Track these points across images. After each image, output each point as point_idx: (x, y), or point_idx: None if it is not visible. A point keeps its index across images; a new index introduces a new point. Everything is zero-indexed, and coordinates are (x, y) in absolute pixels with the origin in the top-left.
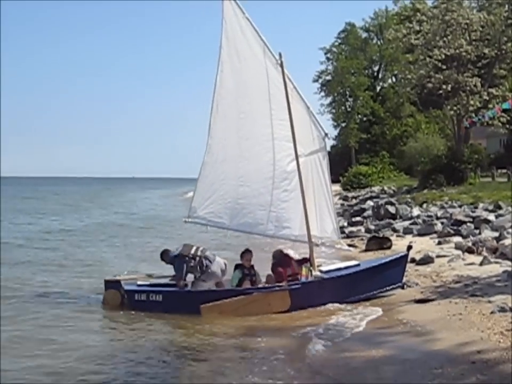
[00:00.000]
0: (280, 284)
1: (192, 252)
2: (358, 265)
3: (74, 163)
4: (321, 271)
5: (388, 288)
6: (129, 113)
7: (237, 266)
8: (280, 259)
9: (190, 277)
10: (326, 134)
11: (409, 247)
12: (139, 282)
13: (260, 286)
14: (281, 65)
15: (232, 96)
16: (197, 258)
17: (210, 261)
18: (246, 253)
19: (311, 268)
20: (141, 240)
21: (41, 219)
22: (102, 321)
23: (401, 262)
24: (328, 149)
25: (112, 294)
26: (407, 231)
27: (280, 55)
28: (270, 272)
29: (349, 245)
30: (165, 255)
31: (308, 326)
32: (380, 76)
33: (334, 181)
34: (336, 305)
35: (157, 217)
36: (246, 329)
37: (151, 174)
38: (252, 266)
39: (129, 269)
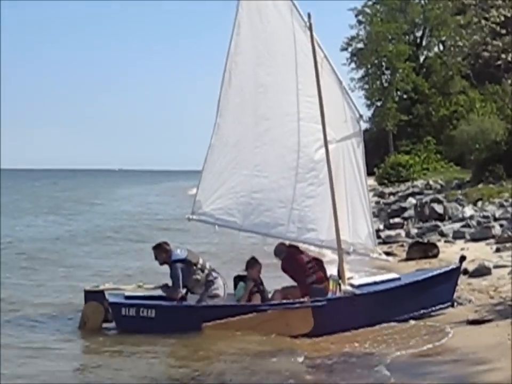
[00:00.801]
0: (301, 300)
1: (201, 262)
2: (399, 279)
3: (48, 152)
4: (352, 286)
5: (434, 308)
6: (115, 87)
7: (240, 278)
8: (289, 253)
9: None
10: (361, 116)
11: (463, 258)
12: (127, 294)
13: (276, 302)
14: (310, 29)
15: (250, 65)
16: (205, 271)
17: (217, 277)
18: (255, 263)
19: (340, 281)
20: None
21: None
22: (79, 342)
23: (452, 276)
24: None
25: (93, 308)
26: (457, 235)
27: (309, 15)
28: (277, 287)
29: (386, 253)
30: (162, 250)
31: (335, 352)
32: (424, 43)
33: (367, 173)
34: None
35: (160, 219)
36: (256, 353)
37: (142, 165)
38: (261, 281)
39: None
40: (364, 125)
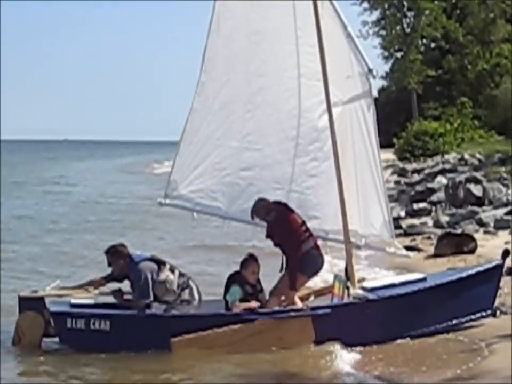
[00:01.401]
0: (298, 308)
1: (169, 263)
2: (424, 279)
3: None
4: (364, 289)
5: (470, 316)
6: (59, 36)
7: (234, 279)
8: (279, 212)
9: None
10: (370, 70)
11: (506, 253)
12: (74, 301)
13: (267, 310)
14: None
15: (241, 8)
16: (176, 271)
17: (189, 278)
18: (251, 261)
19: (348, 283)
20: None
21: None
22: (12, 363)
23: (492, 276)
24: (374, 93)
25: (30, 320)
26: (500, 224)
27: None
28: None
29: (408, 247)
30: (118, 254)
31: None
32: None
33: (384, 145)
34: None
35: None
36: (242, 376)
37: (91, 135)
38: (258, 281)
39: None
40: (380, 83)
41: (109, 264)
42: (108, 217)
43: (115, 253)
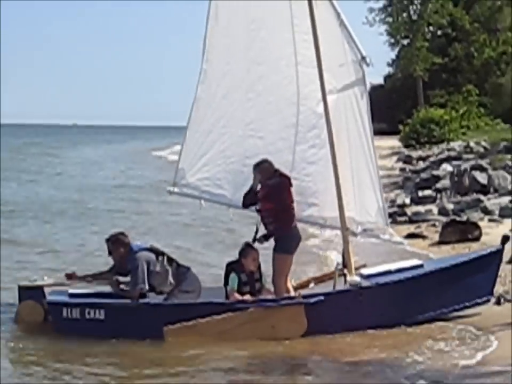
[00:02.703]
0: (291, 296)
1: (167, 254)
2: (421, 266)
3: None
4: (361, 276)
5: (468, 303)
6: (67, 19)
7: (232, 268)
8: (283, 182)
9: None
10: (363, 58)
11: (505, 238)
12: (71, 291)
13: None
14: None
15: None
16: (174, 263)
17: (188, 269)
18: (249, 250)
19: (345, 270)
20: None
21: None
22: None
23: (491, 262)
24: (380, 80)
25: (30, 308)
26: (506, 212)
27: None
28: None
29: (413, 235)
30: (119, 243)
31: (350, 360)
32: None
33: (390, 132)
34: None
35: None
36: (238, 363)
37: (101, 120)
38: (259, 269)
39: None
40: (386, 70)
41: (109, 253)
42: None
43: (116, 241)
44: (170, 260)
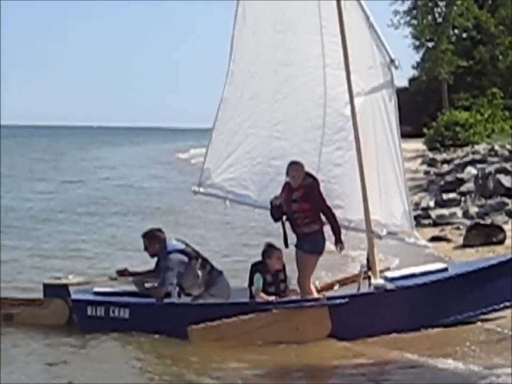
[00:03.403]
0: (315, 297)
1: (201, 256)
2: (445, 269)
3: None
4: (386, 278)
5: (494, 307)
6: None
7: (256, 268)
8: (316, 183)
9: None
10: (392, 61)
11: None
12: (96, 289)
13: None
14: None
15: None
16: (207, 267)
17: (220, 273)
18: (272, 250)
19: (370, 273)
20: None
21: None
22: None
23: None
24: (405, 83)
25: (55, 306)
26: None
27: None
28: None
29: (437, 238)
30: (155, 239)
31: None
32: None
33: (414, 134)
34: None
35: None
36: (261, 368)
37: (125, 122)
38: (284, 269)
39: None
40: (411, 72)
41: (145, 248)
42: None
43: (152, 237)
44: (204, 262)
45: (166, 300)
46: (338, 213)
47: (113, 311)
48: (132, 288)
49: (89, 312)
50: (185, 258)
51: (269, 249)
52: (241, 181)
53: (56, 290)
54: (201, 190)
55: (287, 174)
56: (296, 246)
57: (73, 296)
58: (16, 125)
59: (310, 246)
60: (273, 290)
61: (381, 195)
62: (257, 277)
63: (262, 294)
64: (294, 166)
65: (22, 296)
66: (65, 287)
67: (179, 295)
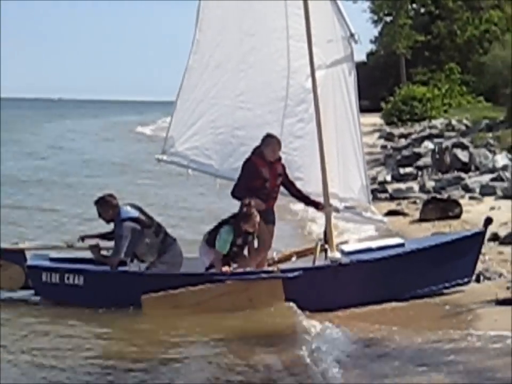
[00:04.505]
0: (269, 269)
1: (155, 224)
2: (402, 245)
3: None
4: (342, 252)
5: (448, 284)
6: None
7: (226, 223)
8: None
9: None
10: (352, 35)
11: (488, 221)
12: (52, 255)
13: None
14: None
15: None
16: (160, 235)
17: (173, 241)
18: (252, 208)
19: (326, 246)
20: None
21: None
22: None
23: (473, 244)
24: (363, 57)
25: (11, 272)
26: (486, 191)
27: None
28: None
29: (393, 212)
30: (108, 205)
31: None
32: None
33: (372, 108)
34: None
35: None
36: (221, 333)
37: (85, 94)
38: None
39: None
40: (369, 47)
41: (99, 215)
42: None
43: (104, 203)
44: (158, 230)
45: (121, 268)
46: (298, 185)
47: (68, 278)
48: (89, 255)
49: (44, 279)
50: (138, 226)
51: (250, 204)
52: (204, 150)
53: (12, 255)
54: (165, 158)
55: (264, 146)
56: (264, 219)
57: (28, 262)
58: None
59: (273, 218)
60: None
61: (340, 168)
62: (227, 230)
63: (224, 267)
64: (275, 139)
65: None
66: (21, 252)
67: (132, 261)
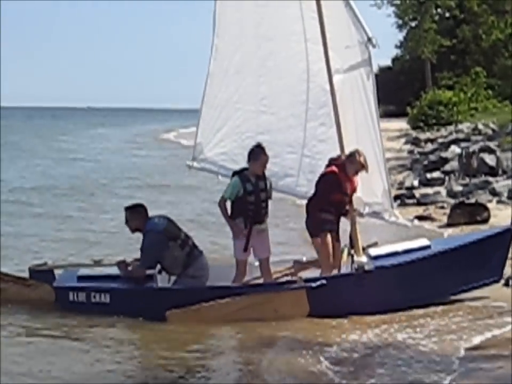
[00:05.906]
0: (293, 279)
1: (182, 236)
2: (428, 246)
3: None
4: (369, 256)
5: (476, 284)
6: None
7: (236, 173)
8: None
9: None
10: (370, 39)
11: None
12: (80, 273)
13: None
14: None
15: None
16: (186, 248)
17: (200, 253)
18: (260, 152)
19: (353, 251)
20: None
21: None
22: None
23: (501, 242)
24: (388, 62)
25: (42, 291)
26: None
27: None
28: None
29: (421, 217)
30: (137, 214)
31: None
32: None
33: (398, 114)
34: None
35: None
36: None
37: (114, 103)
38: (264, 177)
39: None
40: (394, 52)
41: (126, 221)
42: None
43: (134, 211)
44: (184, 243)
45: (147, 285)
46: None
47: (94, 297)
48: (116, 271)
49: (71, 298)
50: (164, 239)
51: (256, 150)
52: (232, 155)
53: (41, 274)
54: (195, 164)
55: (349, 162)
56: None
57: (55, 283)
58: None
59: None
60: (253, 199)
61: (362, 173)
62: (234, 181)
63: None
64: (361, 157)
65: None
66: (50, 271)
67: (160, 273)
